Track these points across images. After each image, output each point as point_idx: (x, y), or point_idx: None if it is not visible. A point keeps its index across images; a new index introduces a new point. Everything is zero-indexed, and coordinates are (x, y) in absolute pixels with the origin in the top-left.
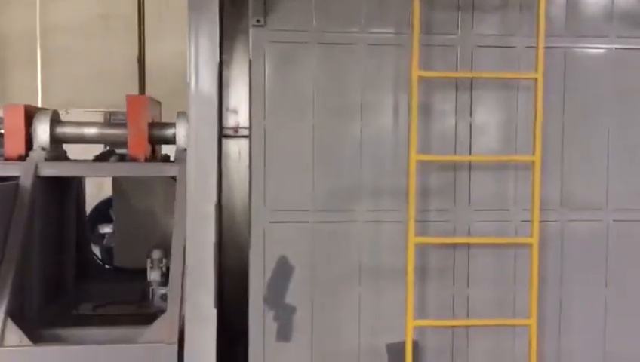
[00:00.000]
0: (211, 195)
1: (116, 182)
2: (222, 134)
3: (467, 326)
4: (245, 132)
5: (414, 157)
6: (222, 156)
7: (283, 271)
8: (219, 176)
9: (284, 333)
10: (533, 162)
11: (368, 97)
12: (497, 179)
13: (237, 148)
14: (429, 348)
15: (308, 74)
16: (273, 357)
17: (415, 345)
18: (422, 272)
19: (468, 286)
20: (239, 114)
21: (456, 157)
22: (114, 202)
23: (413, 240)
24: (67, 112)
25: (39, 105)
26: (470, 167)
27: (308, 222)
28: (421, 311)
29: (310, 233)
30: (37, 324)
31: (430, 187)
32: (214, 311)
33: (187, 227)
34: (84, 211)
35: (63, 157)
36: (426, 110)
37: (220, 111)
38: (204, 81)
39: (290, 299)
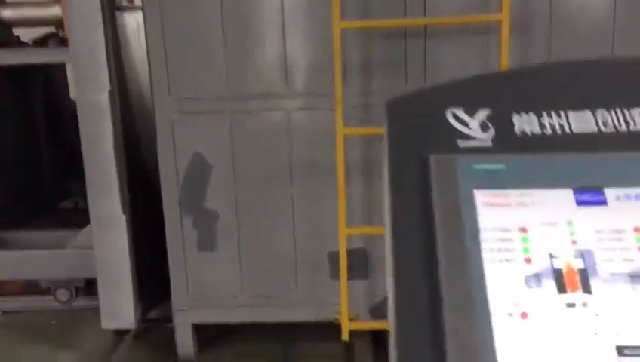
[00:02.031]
0: (102, 82)
1: None
2: (114, 6)
3: None
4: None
5: (338, 24)
6: (116, 33)
7: (199, 171)
8: (115, 57)
9: (206, 242)
10: (500, 21)
11: None
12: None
13: (135, 23)
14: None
15: None
16: (197, 268)
17: (362, 252)
18: (366, 168)
19: None
20: None
21: (404, 21)
22: None
23: (341, 131)
24: None
25: None
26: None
27: (224, 111)
28: (366, 215)
29: (228, 125)
30: None
31: (374, 61)
32: (122, 217)
33: (79, 121)
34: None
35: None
36: None
37: None
38: None
39: (210, 203)
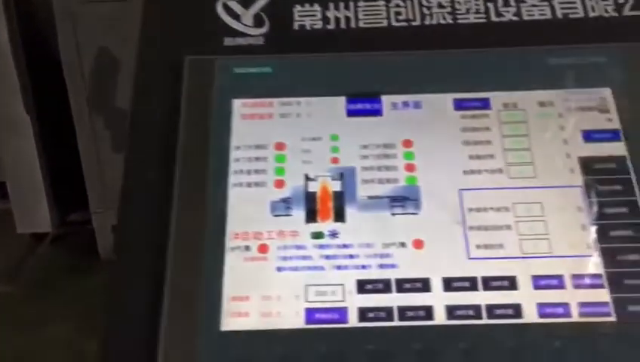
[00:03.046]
0: None
1: None
2: None
3: None
4: None
5: None
6: None
7: (106, 67)
8: None
9: (121, 143)
10: None
11: None
12: None
13: None
14: None
15: None
16: (111, 171)
17: None
18: None
19: None
20: None
21: None
22: None
23: None
24: None
25: None
26: None
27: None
28: None
29: (135, 15)
30: None
31: None
32: (27, 118)
33: None
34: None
35: None
36: None
37: None
38: None
39: (121, 101)
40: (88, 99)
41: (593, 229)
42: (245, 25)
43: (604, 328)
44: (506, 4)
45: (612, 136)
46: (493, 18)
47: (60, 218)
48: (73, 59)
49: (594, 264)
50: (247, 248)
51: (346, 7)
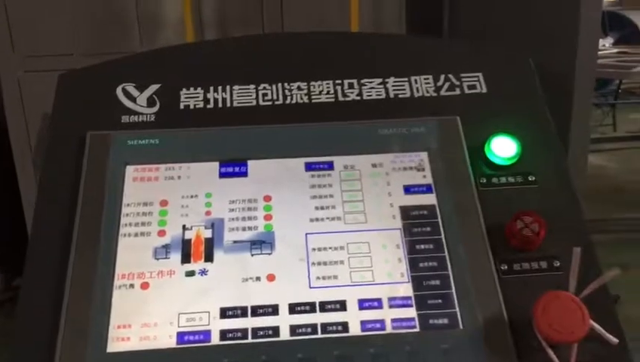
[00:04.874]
0: None
1: None
2: None
3: None
4: None
5: None
6: None
7: None
8: None
9: None
10: None
11: None
12: None
13: None
14: None
15: None
16: None
17: None
18: None
19: None
20: None
21: None
22: None
23: None
24: None
25: None
26: None
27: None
28: None
29: None
30: None
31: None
32: None
33: None
34: None
35: None
36: None
37: None
38: None
39: None
40: (34, 162)
41: (407, 262)
42: (140, 105)
43: (409, 337)
44: (351, 86)
45: (426, 189)
46: (340, 98)
47: (5, 283)
48: (20, 125)
49: (405, 289)
50: (131, 286)
51: (224, 90)
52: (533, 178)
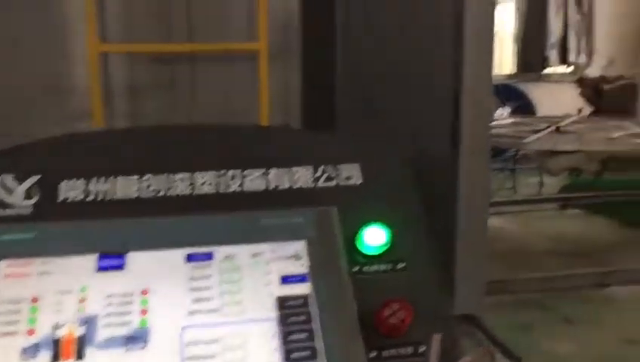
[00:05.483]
0: None
1: None
2: None
3: None
4: None
5: (95, 47)
6: None
7: None
8: None
9: None
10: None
11: None
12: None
13: None
14: None
15: None
16: None
17: None
18: None
19: None
20: None
21: (167, 46)
22: None
23: None
24: None
25: None
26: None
27: None
28: None
29: None
30: None
31: (142, 84)
32: None
33: None
34: None
35: None
36: None
37: None
38: None
39: None
40: None
41: (282, 351)
42: (16, 197)
43: None
44: (233, 178)
45: (301, 279)
46: (222, 190)
47: None
48: None
49: None
50: None
51: (106, 181)
52: (404, 265)
